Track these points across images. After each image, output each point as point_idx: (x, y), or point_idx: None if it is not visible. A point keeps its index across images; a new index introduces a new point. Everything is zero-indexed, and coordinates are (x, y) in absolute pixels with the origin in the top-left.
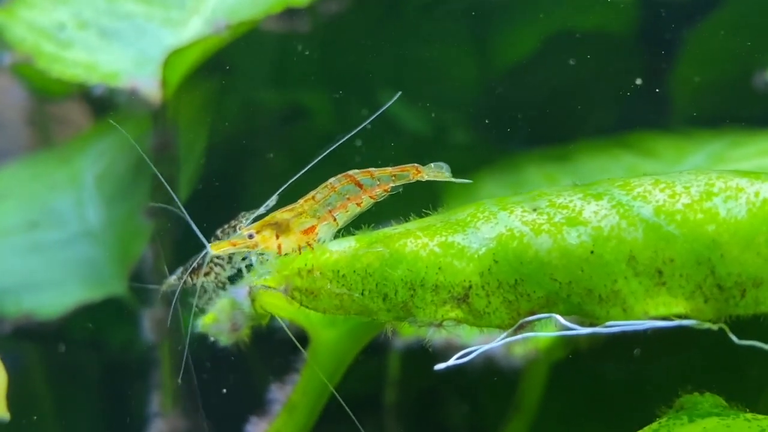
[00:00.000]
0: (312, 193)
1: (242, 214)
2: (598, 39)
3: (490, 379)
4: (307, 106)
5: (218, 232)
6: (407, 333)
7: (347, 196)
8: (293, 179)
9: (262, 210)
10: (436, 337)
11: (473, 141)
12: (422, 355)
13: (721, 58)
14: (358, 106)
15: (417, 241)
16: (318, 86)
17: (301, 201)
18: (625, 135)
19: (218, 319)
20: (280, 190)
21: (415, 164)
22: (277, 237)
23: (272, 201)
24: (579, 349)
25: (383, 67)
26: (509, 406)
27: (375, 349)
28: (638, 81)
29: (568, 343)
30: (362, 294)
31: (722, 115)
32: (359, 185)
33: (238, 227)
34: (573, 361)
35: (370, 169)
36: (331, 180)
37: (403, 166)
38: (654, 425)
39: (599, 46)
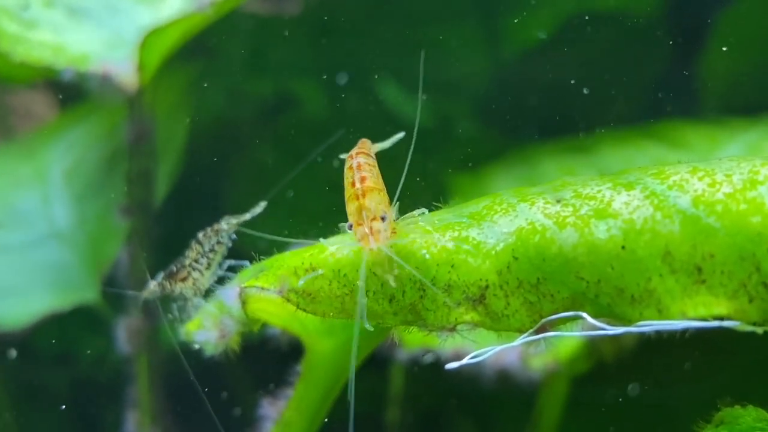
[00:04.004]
0: (360, 172)
1: (225, 218)
2: (619, 21)
3: (504, 394)
4: (297, 94)
5: (200, 235)
6: (411, 344)
7: (374, 165)
8: (284, 183)
9: (248, 216)
10: (447, 344)
11: (481, 133)
12: (428, 368)
13: (754, 42)
14: (353, 95)
15: (428, 235)
16: (309, 73)
17: (365, 175)
18: (651, 125)
19: (204, 325)
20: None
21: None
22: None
23: (259, 208)
24: (603, 361)
25: (381, 52)
26: (525, 425)
27: (376, 363)
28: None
29: (591, 354)
30: (366, 295)
31: (757, 103)
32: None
33: (220, 232)
34: (597, 375)
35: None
36: (359, 159)
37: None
38: None
39: (621, 29)
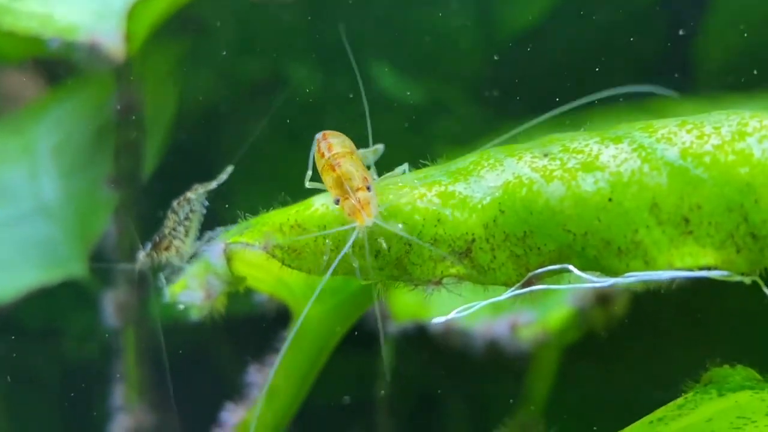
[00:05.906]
0: (327, 140)
1: (194, 186)
2: (614, 1)
3: (495, 366)
4: (289, 75)
5: (174, 204)
6: (401, 318)
7: (338, 134)
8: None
9: (214, 184)
10: (434, 311)
11: (476, 115)
12: (418, 341)
13: (752, 19)
14: (347, 77)
15: (413, 191)
16: (303, 55)
17: (331, 141)
18: (645, 101)
19: (190, 285)
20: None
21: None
22: None
23: (225, 174)
24: (594, 330)
25: (376, 35)
26: (516, 396)
27: (365, 336)
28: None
29: (581, 323)
30: (352, 251)
31: (754, 80)
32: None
33: (191, 201)
34: (587, 344)
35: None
36: (323, 132)
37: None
38: (680, 400)
39: (616, 9)
